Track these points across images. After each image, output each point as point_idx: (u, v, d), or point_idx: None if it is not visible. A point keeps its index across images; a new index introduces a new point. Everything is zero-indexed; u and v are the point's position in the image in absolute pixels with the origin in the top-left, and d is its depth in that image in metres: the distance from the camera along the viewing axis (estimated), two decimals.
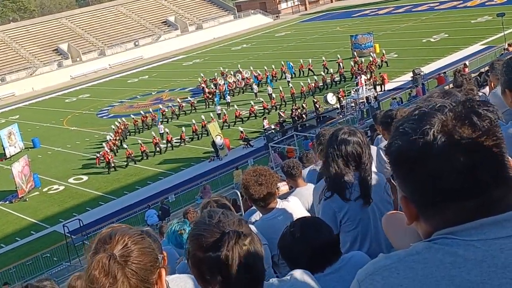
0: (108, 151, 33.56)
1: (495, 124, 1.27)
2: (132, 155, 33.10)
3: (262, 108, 37.38)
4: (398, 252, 1.32)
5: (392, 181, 3.49)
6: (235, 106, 38.48)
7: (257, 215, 4.42)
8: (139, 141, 34.69)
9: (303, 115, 34.35)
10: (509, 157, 1.32)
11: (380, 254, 1.36)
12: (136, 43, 76.74)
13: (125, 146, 34.21)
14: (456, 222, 1.27)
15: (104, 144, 35.10)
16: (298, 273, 2.38)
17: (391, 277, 1.27)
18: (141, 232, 1.81)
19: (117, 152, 34.67)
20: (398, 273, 1.26)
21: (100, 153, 33.98)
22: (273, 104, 37.80)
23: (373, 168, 3.84)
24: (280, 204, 4.11)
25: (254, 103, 38.03)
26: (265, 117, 35.13)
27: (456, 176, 1.24)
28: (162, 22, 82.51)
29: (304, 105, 35.68)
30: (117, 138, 36.74)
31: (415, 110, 1.35)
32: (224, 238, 1.85)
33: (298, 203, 4.31)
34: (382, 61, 43.29)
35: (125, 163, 33.30)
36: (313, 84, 39.85)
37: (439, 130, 1.26)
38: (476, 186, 1.25)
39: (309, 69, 44.30)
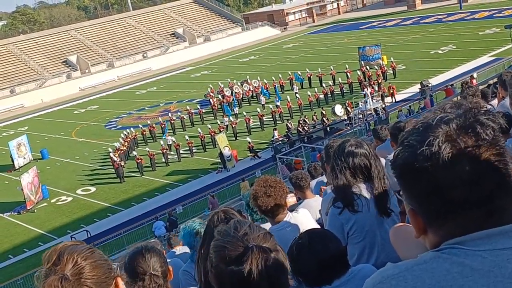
0: (117, 159, 33.55)
1: (498, 134, 1.30)
2: (142, 163, 33.19)
3: (271, 118, 37.40)
4: (406, 262, 1.33)
5: (398, 196, 3.48)
6: (244, 113, 38.51)
7: (266, 226, 4.41)
8: (147, 149, 34.81)
9: (305, 128, 34.25)
10: None
11: (388, 263, 1.37)
12: (145, 55, 77.16)
13: (134, 153, 34.28)
14: (463, 232, 1.28)
15: (110, 149, 35.21)
16: None
17: (398, 286, 1.27)
18: (90, 246, 1.80)
19: (125, 162, 34.68)
20: (405, 282, 1.27)
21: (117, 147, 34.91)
22: (279, 113, 37.84)
23: None
24: (289, 216, 4.09)
25: (261, 111, 38.22)
26: (275, 128, 35.09)
27: (461, 185, 1.25)
28: (170, 34, 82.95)
29: (314, 117, 35.66)
30: (126, 145, 36.82)
31: (419, 123, 1.37)
32: (248, 253, 1.80)
33: (307, 215, 4.29)
34: (393, 68, 43.29)
35: (136, 170, 33.36)
36: (321, 94, 39.87)
37: (443, 140, 1.27)
38: (481, 195, 1.26)
39: (318, 77, 44.23)
